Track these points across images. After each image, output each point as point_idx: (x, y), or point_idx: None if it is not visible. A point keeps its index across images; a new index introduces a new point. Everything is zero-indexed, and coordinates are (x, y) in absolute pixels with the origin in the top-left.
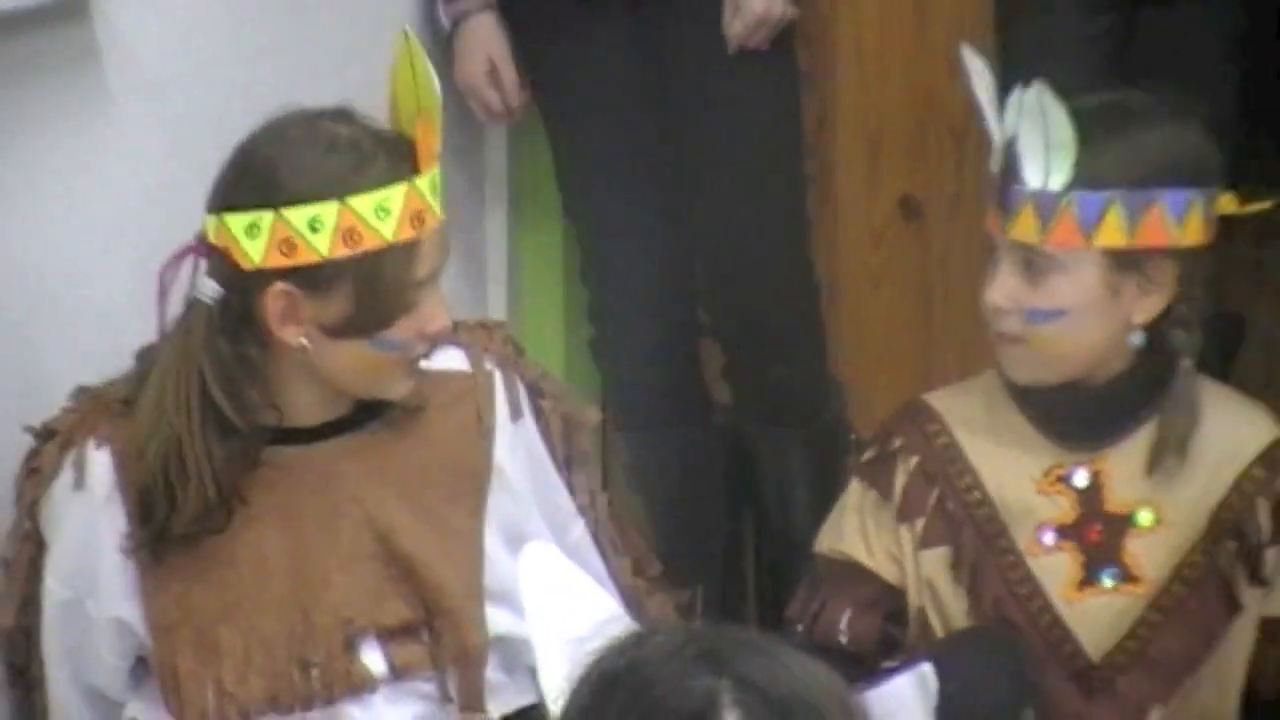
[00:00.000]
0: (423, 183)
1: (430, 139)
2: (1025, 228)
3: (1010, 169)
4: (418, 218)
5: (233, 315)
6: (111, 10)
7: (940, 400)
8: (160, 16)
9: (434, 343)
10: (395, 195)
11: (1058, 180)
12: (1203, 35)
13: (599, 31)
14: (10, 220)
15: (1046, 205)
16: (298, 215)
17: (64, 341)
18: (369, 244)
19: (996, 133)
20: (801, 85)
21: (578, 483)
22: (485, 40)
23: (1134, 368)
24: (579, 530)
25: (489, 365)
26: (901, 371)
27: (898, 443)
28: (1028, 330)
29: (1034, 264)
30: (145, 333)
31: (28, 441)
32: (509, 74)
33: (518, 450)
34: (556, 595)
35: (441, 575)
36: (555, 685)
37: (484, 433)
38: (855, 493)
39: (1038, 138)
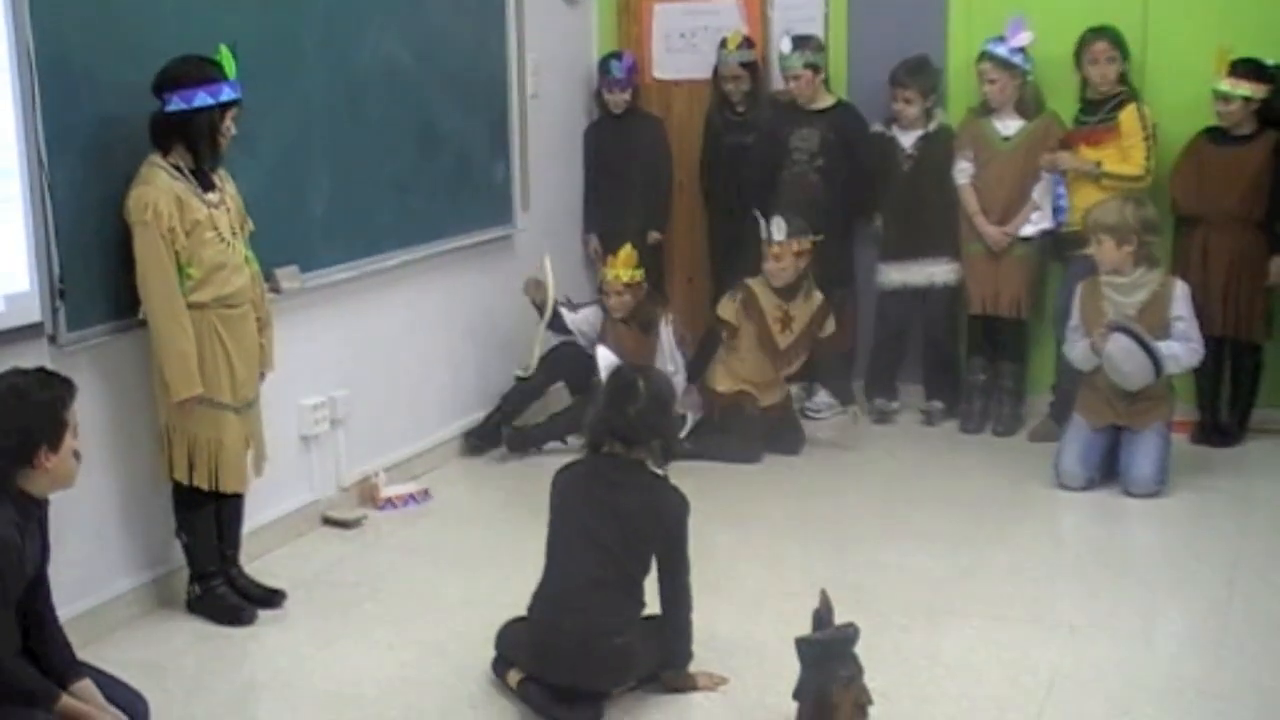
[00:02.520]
0: None
1: None
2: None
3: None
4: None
5: None
6: None
7: (752, 281)
8: None
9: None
10: None
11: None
12: None
13: None
14: None
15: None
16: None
17: None
18: None
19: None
20: None
21: (680, 347)
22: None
23: (801, 274)
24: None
25: (664, 315)
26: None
27: (740, 292)
28: (788, 268)
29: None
30: None
31: None
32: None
33: (666, 334)
34: (610, 357)
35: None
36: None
37: (655, 331)
38: (727, 302)
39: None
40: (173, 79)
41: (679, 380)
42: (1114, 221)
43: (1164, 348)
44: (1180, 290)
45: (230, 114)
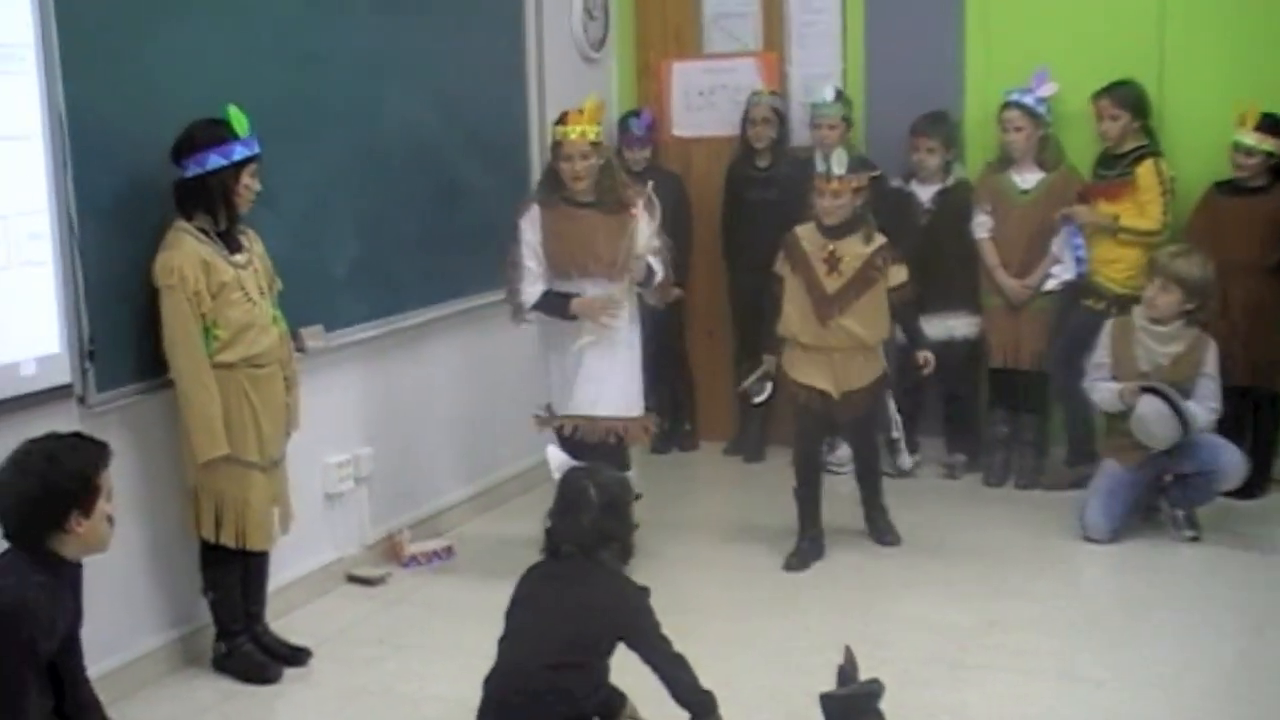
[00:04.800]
0: None
1: None
2: (843, 186)
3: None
4: None
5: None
6: None
7: (799, 228)
8: None
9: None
10: None
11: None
12: None
13: None
14: None
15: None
16: None
17: None
18: None
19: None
20: None
21: (660, 240)
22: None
23: (857, 214)
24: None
25: (642, 203)
26: None
27: (786, 241)
28: (845, 205)
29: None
30: None
31: None
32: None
33: (644, 221)
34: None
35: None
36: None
37: (633, 216)
38: (780, 258)
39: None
40: (185, 145)
41: (658, 278)
42: (1196, 277)
43: (1188, 407)
44: (1213, 350)
45: (248, 170)
